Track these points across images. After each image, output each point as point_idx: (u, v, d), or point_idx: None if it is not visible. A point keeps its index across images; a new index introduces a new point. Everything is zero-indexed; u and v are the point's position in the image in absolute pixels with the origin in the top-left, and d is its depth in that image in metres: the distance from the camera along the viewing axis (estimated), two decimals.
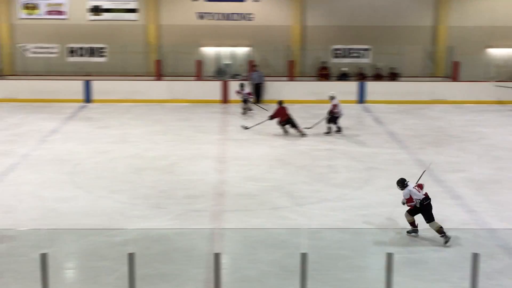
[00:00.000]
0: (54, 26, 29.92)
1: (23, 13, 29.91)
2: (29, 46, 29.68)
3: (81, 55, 29.81)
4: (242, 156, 18.03)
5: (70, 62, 29.75)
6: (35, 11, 29.90)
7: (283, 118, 21.00)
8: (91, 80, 27.21)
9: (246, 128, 21.47)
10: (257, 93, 26.80)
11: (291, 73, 29.02)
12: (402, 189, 11.79)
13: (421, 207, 11.56)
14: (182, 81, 27.62)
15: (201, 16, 30.31)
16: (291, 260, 10.32)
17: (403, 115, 24.82)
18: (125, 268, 7.47)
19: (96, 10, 30.06)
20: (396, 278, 7.51)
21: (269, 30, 30.28)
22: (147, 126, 22.29)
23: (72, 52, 29.83)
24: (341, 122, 21.16)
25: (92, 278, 10.19)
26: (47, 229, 12.17)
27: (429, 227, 11.55)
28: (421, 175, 12.53)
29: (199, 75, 28.40)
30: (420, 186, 11.82)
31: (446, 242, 11.33)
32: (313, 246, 11.41)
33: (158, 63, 29.29)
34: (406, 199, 11.68)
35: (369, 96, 27.33)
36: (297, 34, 30.44)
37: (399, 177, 11.90)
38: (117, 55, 29.85)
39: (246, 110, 24.20)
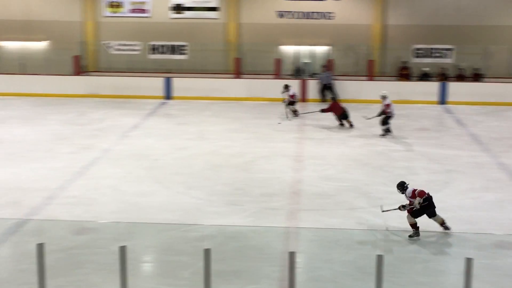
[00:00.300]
0: (137, 24, 30.58)
1: (107, 11, 30.70)
2: (113, 43, 30.43)
3: (163, 53, 30.33)
4: (319, 155, 17.94)
5: (151, 60, 30.32)
6: (119, 9, 30.64)
7: (338, 112, 21.66)
8: (171, 77, 27.67)
9: (295, 114, 22.91)
10: (323, 93, 26.75)
11: (371, 73, 28.67)
12: (402, 193, 11.73)
13: (421, 208, 11.50)
14: (260, 79, 27.74)
15: (281, 14, 30.34)
16: (366, 262, 10.20)
17: (486, 117, 24.12)
18: (200, 264, 7.53)
19: (178, 8, 30.55)
20: (476, 284, 7.30)
21: (349, 29, 30.03)
22: (225, 123, 22.48)
23: (153, 49, 30.39)
24: (419, 123, 20.74)
25: (169, 272, 10.34)
26: (126, 222, 12.44)
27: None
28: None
29: (277, 74, 28.44)
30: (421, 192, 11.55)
31: (447, 229, 11.63)
32: (389, 248, 11.23)
33: (238, 61, 29.49)
34: (408, 203, 11.59)
35: (450, 97, 26.70)
36: (377, 33, 30.06)
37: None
38: (197, 53, 30.23)
39: (289, 113, 23.41)
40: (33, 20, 30.81)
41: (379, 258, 7.18)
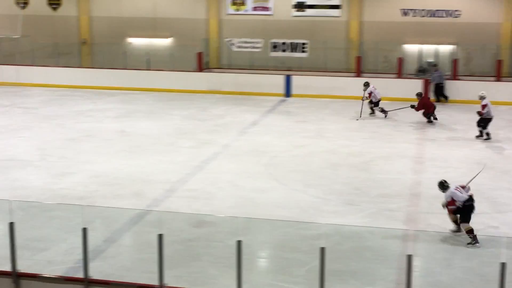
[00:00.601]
0: (259, 22, 30.90)
1: (231, 9, 31.22)
2: (235, 40, 30.89)
3: (283, 50, 30.47)
4: (441, 157, 17.41)
5: (272, 57, 30.52)
6: (242, 7, 31.08)
7: (430, 109, 21.66)
8: (291, 75, 27.74)
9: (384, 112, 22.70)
10: (437, 93, 25.91)
11: (499, 73, 27.51)
12: (443, 191, 11.56)
13: (463, 208, 11.31)
14: (381, 78, 27.26)
15: (405, 12, 29.70)
16: (488, 269, 9.78)
17: None
18: (316, 262, 7.48)
19: (300, 6, 30.59)
20: None
21: (476, 28, 28.95)
22: (344, 122, 22.27)
23: (275, 47, 30.58)
24: None
25: (283, 269, 10.35)
26: (243, 217, 12.57)
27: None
28: (475, 176, 11.89)
29: (399, 73, 27.86)
30: (463, 187, 11.41)
31: (469, 243, 11.06)
32: None
33: (359, 59, 29.15)
34: (448, 201, 11.40)
35: None
36: (508, 32, 28.79)
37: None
38: (318, 51, 30.14)
39: (373, 111, 23.20)
40: (160, 18, 31.83)
41: (502, 266, 6.86)
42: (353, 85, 26.96)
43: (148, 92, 27.76)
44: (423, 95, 22.46)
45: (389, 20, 29.78)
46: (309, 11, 30.53)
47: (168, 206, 13.33)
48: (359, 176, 15.62)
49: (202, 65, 29.84)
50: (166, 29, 31.78)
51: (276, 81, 27.50)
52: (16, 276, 8.94)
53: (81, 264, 8.85)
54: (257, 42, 30.64)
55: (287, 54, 30.39)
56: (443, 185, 11.64)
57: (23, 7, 31.78)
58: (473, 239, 11.13)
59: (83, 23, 32.36)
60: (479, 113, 19.50)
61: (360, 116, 22.72)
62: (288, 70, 29.31)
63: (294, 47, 30.31)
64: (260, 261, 10.94)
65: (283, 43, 30.35)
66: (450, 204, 11.40)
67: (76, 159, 17.14)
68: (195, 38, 30.91)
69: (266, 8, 30.89)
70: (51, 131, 20.43)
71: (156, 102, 25.86)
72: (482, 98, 19.65)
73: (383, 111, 22.99)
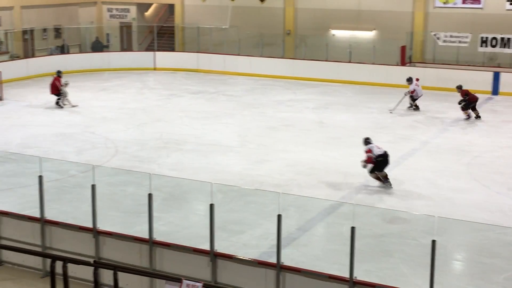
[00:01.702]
0: (467, 15, 29.58)
1: (439, 2, 30.18)
2: (441, 34, 29.83)
3: (493, 46, 28.89)
4: None
5: (480, 52, 29.09)
6: (451, 0, 29.93)
7: (474, 99, 21.11)
8: (501, 71, 26.27)
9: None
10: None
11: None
12: (365, 145, 14.24)
13: (377, 161, 13.98)
14: None
15: None
16: None
17: None
18: None
19: None
20: None
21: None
22: None
23: (483, 42, 29.10)
24: None
25: (480, 273, 9.84)
26: (439, 217, 12.11)
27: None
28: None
29: None
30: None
31: (384, 184, 13.98)
32: None
33: None
34: (366, 157, 13.94)
35: None
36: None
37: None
38: None
39: (411, 107, 22.66)
40: (364, 10, 31.58)
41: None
42: None
43: (348, 85, 27.72)
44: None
45: None
46: None
47: (362, 200, 13.21)
48: None
49: (405, 59, 29.21)
50: (369, 22, 31.47)
51: (483, 77, 26.20)
52: (213, 255, 9.33)
53: (274, 249, 9.03)
54: (464, 37, 29.32)
55: (497, 49, 28.77)
56: (366, 141, 14.45)
57: None
58: (386, 181, 14.04)
59: (288, 14, 33.00)
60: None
61: (392, 109, 22.33)
62: (497, 66, 27.78)
63: (505, 43, 28.64)
64: (455, 263, 10.49)
65: (494, 38, 28.77)
66: (368, 156, 14.00)
67: (274, 147, 17.55)
68: (399, 31, 30.29)
69: (476, 1, 29.47)
70: (252, 119, 21.10)
71: (355, 94, 25.75)
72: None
73: (416, 107, 22.66)
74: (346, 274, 8.31)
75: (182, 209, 13.14)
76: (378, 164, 14.08)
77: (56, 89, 22.48)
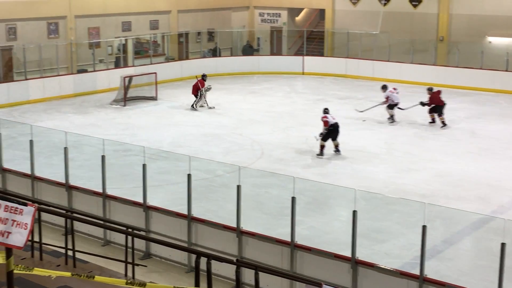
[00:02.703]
0: None
1: None
2: None
3: None
4: None
5: None
6: None
7: (439, 103, 20.70)
8: None
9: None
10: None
11: None
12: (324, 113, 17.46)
13: (328, 130, 17.04)
14: None
15: None
16: None
17: None
18: None
19: None
20: None
21: None
22: None
23: None
24: None
25: None
26: None
27: None
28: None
29: None
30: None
31: (317, 154, 17.08)
32: None
33: None
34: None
35: None
36: None
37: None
38: None
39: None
40: None
41: None
42: None
43: (504, 94, 26.46)
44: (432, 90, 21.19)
45: None
46: None
47: None
48: None
49: None
50: None
51: None
52: (354, 262, 9.22)
53: (417, 261, 8.78)
54: None
55: None
56: (324, 111, 17.49)
57: (385, 4, 32.63)
58: (321, 152, 16.98)
59: (442, 20, 32.03)
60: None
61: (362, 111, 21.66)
62: None
63: None
64: None
65: None
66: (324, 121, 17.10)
67: (421, 156, 17.11)
68: None
69: None
70: (399, 126, 20.68)
71: (511, 105, 24.53)
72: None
73: (391, 117, 21.31)
74: None
75: (325, 214, 13.11)
76: (330, 132, 17.06)
77: (196, 91, 23.20)
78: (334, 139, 17.21)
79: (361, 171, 15.67)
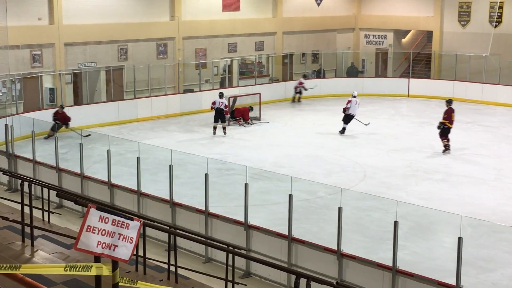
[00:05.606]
0: None
1: None
2: None
3: None
4: None
5: None
6: None
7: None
8: None
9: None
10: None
11: None
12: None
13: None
14: None
15: None
16: None
17: None
18: None
19: None
20: None
21: None
22: None
23: None
24: None
25: None
26: None
27: None
28: None
29: None
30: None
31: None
32: None
33: None
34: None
35: None
36: None
37: None
38: None
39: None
40: None
41: None
42: None
43: None
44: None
45: None
46: None
47: None
48: None
49: None
50: None
51: None
52: None
53: None
54: None
55: None
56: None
57: (496, 26, 31.66)
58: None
59: None
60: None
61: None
62: None
63: None
64: None
65: None
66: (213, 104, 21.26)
67: None
68: None
69: None
70: (510, 151, 19.90)
71: None
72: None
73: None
74: None
75: (429, 240, 12.75)
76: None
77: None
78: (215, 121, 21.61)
79: (467, 197, 15.17)
